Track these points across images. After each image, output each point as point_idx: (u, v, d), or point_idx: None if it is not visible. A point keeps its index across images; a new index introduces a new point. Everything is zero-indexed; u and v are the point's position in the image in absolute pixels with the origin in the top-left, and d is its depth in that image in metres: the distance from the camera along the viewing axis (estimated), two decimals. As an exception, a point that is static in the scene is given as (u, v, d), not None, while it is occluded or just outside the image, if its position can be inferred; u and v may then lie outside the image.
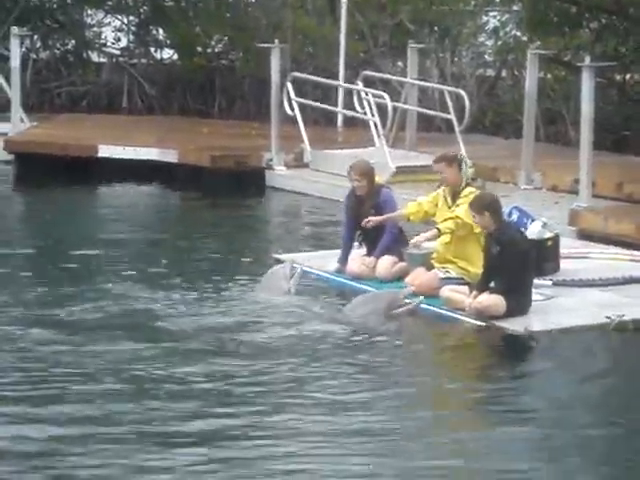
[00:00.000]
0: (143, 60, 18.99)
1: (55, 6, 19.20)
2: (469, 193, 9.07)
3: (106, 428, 6.54)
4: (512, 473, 6.16)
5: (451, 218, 8.98)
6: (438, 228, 9.03)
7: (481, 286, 8.57)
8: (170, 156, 14.90)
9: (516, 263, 8.44)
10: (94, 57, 19.23)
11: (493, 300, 8.47)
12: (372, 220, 9.44)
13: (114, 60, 18.97)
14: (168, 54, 19.09)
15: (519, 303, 8.51)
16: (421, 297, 8.76)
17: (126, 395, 7.07)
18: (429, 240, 9.16)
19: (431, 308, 8.86)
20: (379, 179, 10.05)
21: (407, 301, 8.69)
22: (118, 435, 6.45)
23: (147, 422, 6.63)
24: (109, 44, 19.22)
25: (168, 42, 18.96)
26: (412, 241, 9.17)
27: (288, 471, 6.08)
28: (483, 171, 12.42)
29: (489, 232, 8.58)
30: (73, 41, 19.19)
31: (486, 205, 8.55)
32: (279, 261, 10.15)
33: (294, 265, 9.39)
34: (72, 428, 6.53)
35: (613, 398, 7.27)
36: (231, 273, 9.96)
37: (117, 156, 15.03)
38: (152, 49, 19.12)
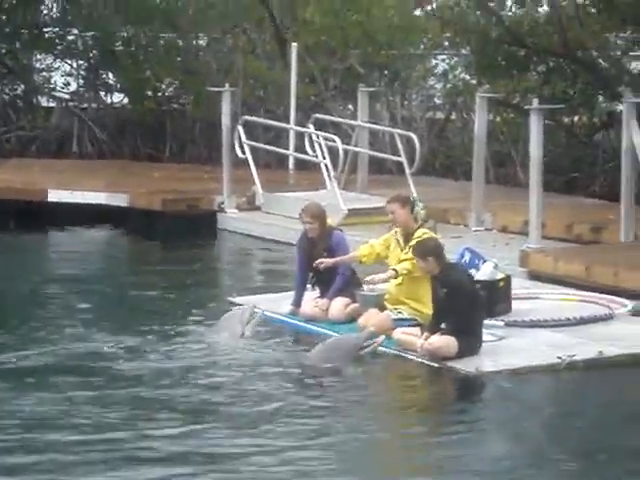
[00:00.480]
0: (93, 104, 18.93)
1: (4, 51, 19.10)
2: (422, 234, 9.14)
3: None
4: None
5: (408, 259, 9.00)
6: (395, 269, 9.05)
7: (432, 327, 8.61)
8: (120, 200, 14.83)
9: (464, 304, 8.50)
10: (43, 102, 19.13)
11: (444, 341, 8.50)
12: (324, 262, 9.45)
13: (64, 104, 18.88)
14: (118, 98, 19.04)
15: (470, 343, 8.55)
16: (382, 336, 8.75)
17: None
18: (385, 281, 9.19)
19: (384, 349, 8.85)
20: (331, 221, 10.09)
21: (369, 342, 8.67)
22: None
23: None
24: (58, 89, 19.13)
25: (118, 86, 18.91)
26: (367, 278, 9.19)
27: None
28: (434, 213, 12.44)
29: (434, 275, 8.64)
30: (22, 86, 19.09)
31: (429, 250, 8.66)
32: (233, 304, 10.12)
33: (255, 310, 9.34)
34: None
35: (565, 434, 7.28)
36: (183, 316, 9.91)
37: (66, 200, 14.96)
38: (102, 93, 19.06)
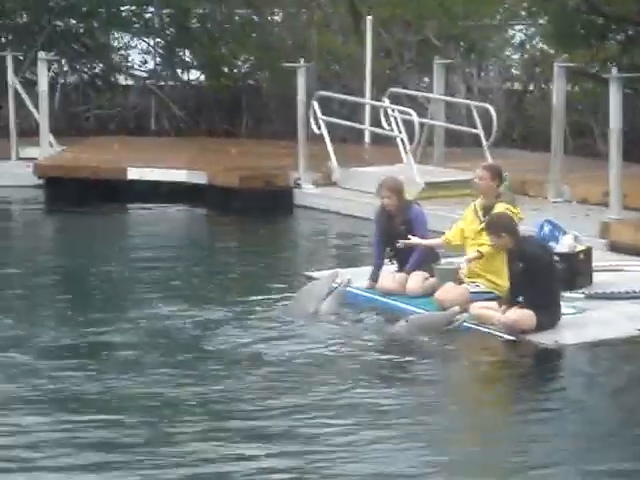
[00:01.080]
0: (170, 82, 19.07)
1: (82, 30, 19.32)
2: (502, 209, 9.09)
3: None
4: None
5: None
6: (480, 251, 9.00)
7: (509, 301, 8.55)
8: (199, 177, 14.94)
9: (541, 277, 8.43)
10: (121, 80, 19.32)
11: (522, 314, 8.44)
12: (412, 243, 9.40)
13: (141, 83, 19.07)
14: (195, 75, 19.15)
15: (548, 316, 8.48)
16: (465, 313, 8.72)
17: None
18: (470, 261, 9.13)
19: (464, 323, 8.83)
20: (408, 195, 10.05)
21: (456, 318, 8.67)
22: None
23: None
24: (136, 67, 19.31)
25: (194, 63, 19.03)
26: (462, 270, 9.10)
27: None
28: (513, 185, 12.34)
29: (510, 249, 8.57)
30: (100, 65, 19.29)
31: (502, 227, 8.61)
32: (311, 278, 10.17)
33: (338, 278, 9.25)
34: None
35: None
36: (263, 291, 9.97)
37: (146, 178, 15.09)
38: (179, 71, 19.19)
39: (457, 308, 8.76)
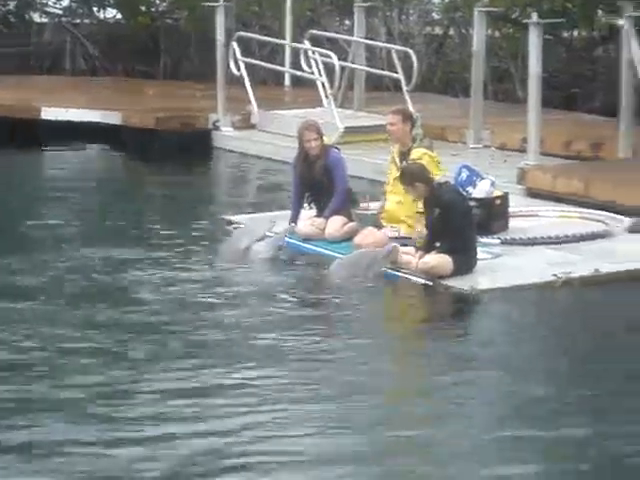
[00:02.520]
0: (86, 20, 18.67)
1: (-5, -34, 18.82)
2: (421, 154, 9.06)
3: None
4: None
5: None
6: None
7: (426, 247, 8.56)
8: (114, 118, 14.67)
9: (457, 223, 8.47)
10: (36, 17, 18.85)
11: (439, 260, 8.47)
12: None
13: (56, 20, 18.62)
14: (111, 13, 18.76)
15: (465, 261, 8.51)
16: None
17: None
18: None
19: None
20: (328, 140, 9.96)
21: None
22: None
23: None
24: (51, 4, 18.85)
25: (111, 1, 18.63)
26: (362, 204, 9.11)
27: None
28: (432, 130, 12.30)
29: (425, 197, 8.57)
30: (14, 1, 18.79)
31: (415, 176, 8.62)
32: (229, 222, 10.09)
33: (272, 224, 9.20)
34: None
35: (556, 353, 7.27)
36: (183, 235, 9.85)
37: (61, 118, 14.80)
38: (95, 8, 18.78)
39: (390, 246, 8.66)
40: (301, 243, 9.50)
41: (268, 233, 9.25)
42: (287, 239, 9.42)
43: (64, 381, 6.64)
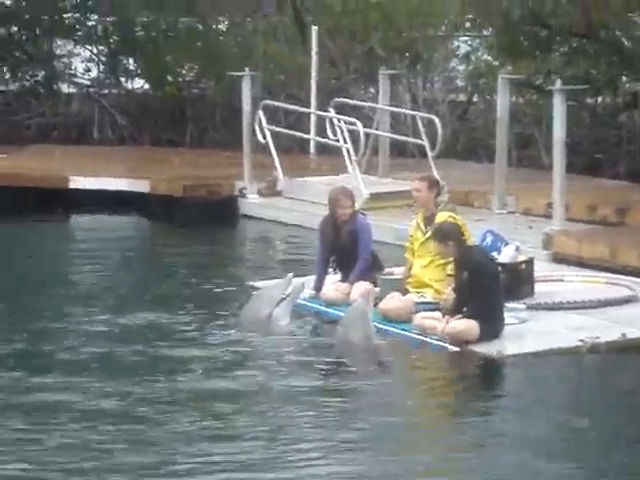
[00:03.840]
0: (114, 90, 18.90)
1: (24, 37, 19.09)
2: (445, 217, 9.12)
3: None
4: None
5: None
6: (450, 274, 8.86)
7: (453, 311, 8.53)
8: (141, 186, 14.80)
9: (485, 287, 8.45)
10: (64, 88, 19.11)
11: (466, 325, 8.44)
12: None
13: (84, 91, 18.88)
14: (139, 84, 19.00)
15: (492, 327, 8.48)
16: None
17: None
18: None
19: (405, 333, 8.80)
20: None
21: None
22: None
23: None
24: (79, 75, 19.12)
25: (139, 72, 18.88)
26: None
27: None
28: (456, 196, 12.39)
29: (456, 258, 8.57)
30: (43, 72, 19.07)
31: (448, 235, 8.63)
32: (254, 288, 10.12)
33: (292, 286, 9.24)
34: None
35: (586, 418, 7.21)
36: (203, 302, 9.88)
37: (88, 187, 14.93)
38: (122, 79, 19.03)
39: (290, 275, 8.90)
40: (325, 308, 9.49)
41: (283, 295, 9.24)
42: (310, 304, 9.42)
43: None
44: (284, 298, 9.16)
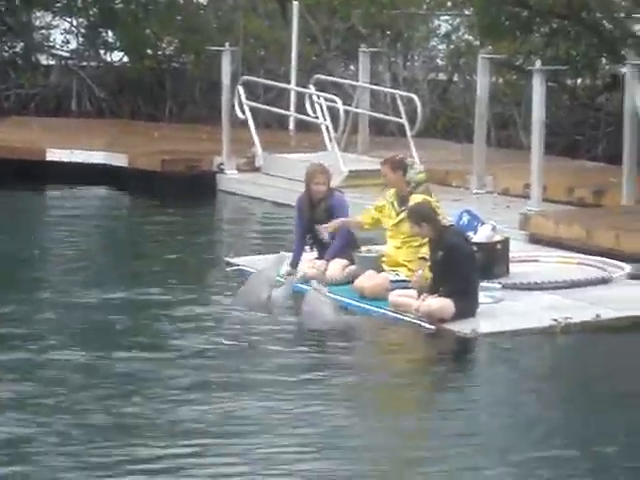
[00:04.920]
0: (92, 63, 18.80)
1: (2, 8, 18.94)
2: (419, 200, 9.09)
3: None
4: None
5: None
6: (425, 257, 8.82)
7: (429, 290, 8.55)
8: (120, 160, 14.74)
9: (461, 267, 8.47)
10: (43, 60, 18.99)
11: (440, 303, 8.46)
12: (328, 226, 9.40)
13: (63, 63, 18.76)
14: (118, 56, 18.90)
15: (466, 305, 8.51)
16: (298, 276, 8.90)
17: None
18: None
19: (380, 311, 8.82)
20: (331, 183, 10.02)
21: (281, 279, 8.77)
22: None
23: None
24: (58, 47, 19.00)
25: (118, 44, 18.78)
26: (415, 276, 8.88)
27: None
28: (435, 175, 12.40)
29: (431, 238, 8.59)
30: (21, 44, 18.94)
31: (422, 216, 8.64)
32: (230, 264, 10.10)
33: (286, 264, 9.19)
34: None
35: (554, 399, 7.24)
36: (181, 278, 9.86)
37: (66, 159, 14.86)
38: (102, 51, 18.92)
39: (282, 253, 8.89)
40: (302, 285, 9.49)
41: (279, 278, 9.19)
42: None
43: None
44: (281, 280, 9.11)
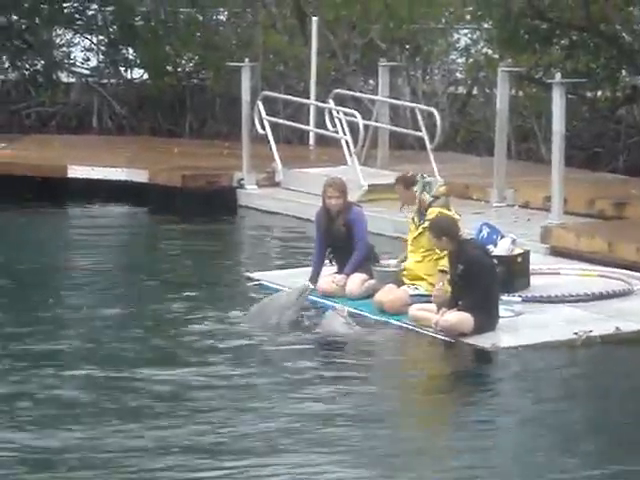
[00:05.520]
0: (113, 80, 18.89)
1: (23, 26, 19.07)
2: (435, 213, 9.08)
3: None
4: None
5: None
6: (444, 270, 8.82)
7: (448, 304, 8.53)
8: (140, 176, 14.79)
9: (481, 280, 8.44)
10: (63, 77, 19.10)
11: (460, 317, 8.43)
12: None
13: (83, 80, 18.86)
14: (138, 73, 18.99)
15: (486, 319, 8.48)
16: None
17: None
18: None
19: (400, 324, 8.80)
20: (351, 197, 10.03)
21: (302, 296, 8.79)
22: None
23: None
24: (78, 64, 19.11)
25: (138, 61, 18.86)
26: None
27: None
28: (455, 188, 12.37)
29: (451, 252, 8.57)
30: (42, 61, 19.06)
31: (444, 230, 8.62)
32: (250, 279, 10.10)
33: (306, 287, 9.16)
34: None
35: (576, 414, 7.20)
36: (200, 292, 9.88)
37: (87, 176, 14.93)
38: (122, 69, 19.01)
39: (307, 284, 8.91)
40: (321, 300, 9.48)
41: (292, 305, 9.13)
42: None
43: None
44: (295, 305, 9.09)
